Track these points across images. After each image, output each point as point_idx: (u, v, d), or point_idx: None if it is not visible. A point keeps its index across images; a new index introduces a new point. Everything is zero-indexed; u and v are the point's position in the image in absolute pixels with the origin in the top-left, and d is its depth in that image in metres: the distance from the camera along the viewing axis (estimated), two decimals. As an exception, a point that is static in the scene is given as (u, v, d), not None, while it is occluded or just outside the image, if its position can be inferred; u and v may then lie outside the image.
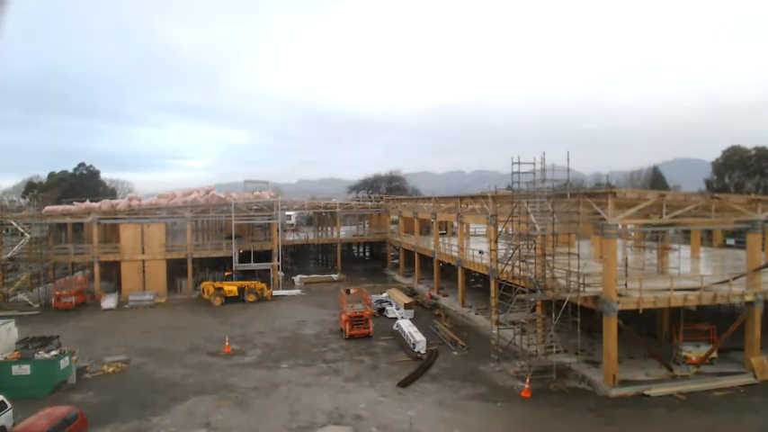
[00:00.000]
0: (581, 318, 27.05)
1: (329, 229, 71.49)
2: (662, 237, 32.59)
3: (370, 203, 74.06)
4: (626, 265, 32.89)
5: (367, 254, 78.67)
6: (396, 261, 65.65)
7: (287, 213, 74.91)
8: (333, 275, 58.13)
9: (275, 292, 49.52)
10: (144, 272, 49.84)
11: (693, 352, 27.52)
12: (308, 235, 70.94)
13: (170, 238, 51.14)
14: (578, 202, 27.13)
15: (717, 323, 31.55)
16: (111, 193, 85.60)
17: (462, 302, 41.89)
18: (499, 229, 35.61)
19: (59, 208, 52.45)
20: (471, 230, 63.26)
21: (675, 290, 26.14)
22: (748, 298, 27.13)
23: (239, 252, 52.58)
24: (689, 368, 26.64)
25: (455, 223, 47.36)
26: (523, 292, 27.75)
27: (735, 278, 27.15)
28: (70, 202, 54.38)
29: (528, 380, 25.25)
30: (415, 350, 31.01)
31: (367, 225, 75.76)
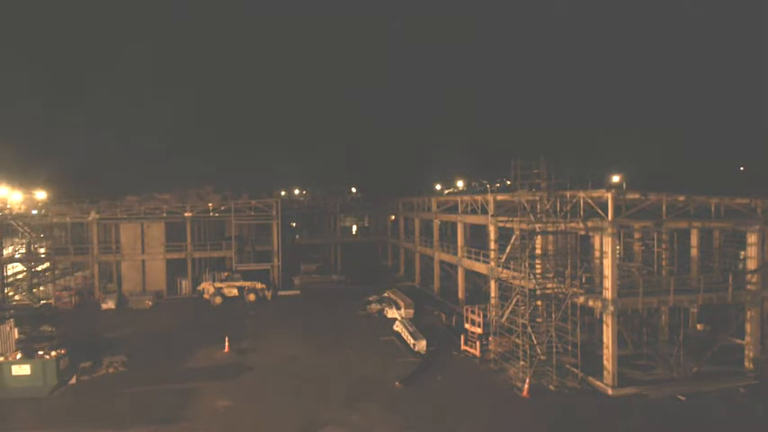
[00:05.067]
0: (581, 317, 27.07)
1: (329, 228, 71.45)
2: (662, 237, 32.55)
3: (370, 203, 73.96)
4: (626, 264, 32.90)
5: (367, 254, 78.55)
6: (396, 261, 65.60)
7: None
8: (333, 275, 58.11)
9: (275, 292, 49.49)
10: (144, 272, 49.82)
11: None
12: (307, 235, 70.87)
13: (170, 238, 51.10)
14: (579, 202, 27.14)
15: (717, 323, 31.59)
16: (112, 193, 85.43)
17: (463, 302, 41.83)
18: (499, 229, 35.57)
19: (59, 208, 52.43)
20: (472, 230, 63.18)
21: (675, 290, 26.13)
22: (748, 298, 27.16)
23: (239, 252, 52.60)
24: (689, 368, 26.62)
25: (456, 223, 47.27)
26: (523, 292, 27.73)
27: (735, 278, 27.12)
28: (70, 203, 54.36)
29: (528, 380, 25.25)
30: (416, 350, 31.02)
31: (367, 225, 75.67)
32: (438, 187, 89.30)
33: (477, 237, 51.72)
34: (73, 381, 26.78)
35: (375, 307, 42.26)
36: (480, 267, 38.28)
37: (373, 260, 69.62)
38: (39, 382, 25.16)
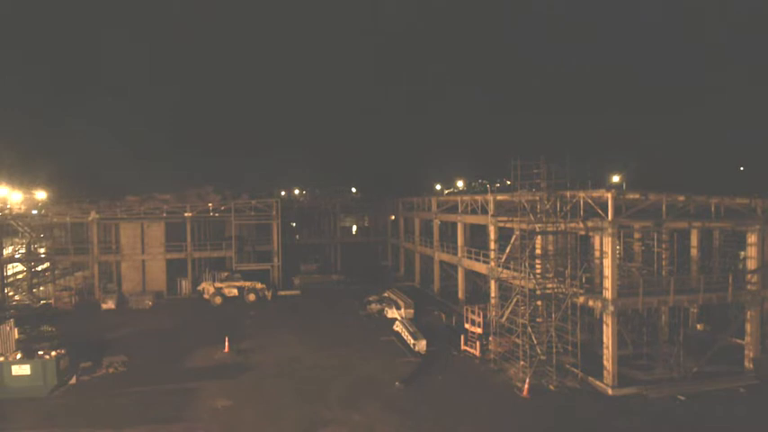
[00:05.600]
0: (581, 317, 27.06)
1: (329, 228, 71.43)
2: (662, 237, 32.62)
3: (370, 203, 73.98)
4: (626, 264, 32.90)
5: (367, 254, 78.57)
6: (396, 261, 65.64)
7: None
8: (333, 275, 58.12)
9: (275, 292, 49.51)
10: (144, 272, 49.85)
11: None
12: (307, 235, 70.94)
13: (170, 238, 51.15)
14: (579, 202, 27.15)
15: (717, 323, 31.62)
16: (112, 193, 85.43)
17: (463, 302, 41.83)
18: (499, 229, 35.58)
19: (59, 208, 52.47)
20: (472, 230, 63.17)
21: (675, 290, 26.13)
22: (748, 298, 27.17)
23: (239, 252, 52.62)
24: (689, 368, 26.62)
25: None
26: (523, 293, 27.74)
27: (735, 278, 27.13)
28: (70, 203, 54.40)
29: (528, 380, 25.26)
30: (416, 350, 31.02)
31: (367, 225, 75.67)
32: (438, 187, 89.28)
33: (477, 237, 51.71)
34: (73, 381, 26.77)
35: (375, 307, 42.26)
36: (480, 267, 38.29)
37: (373, 260, 69.60)
38: (39, 382, 25.14)
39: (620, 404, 23.75)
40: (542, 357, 26.32)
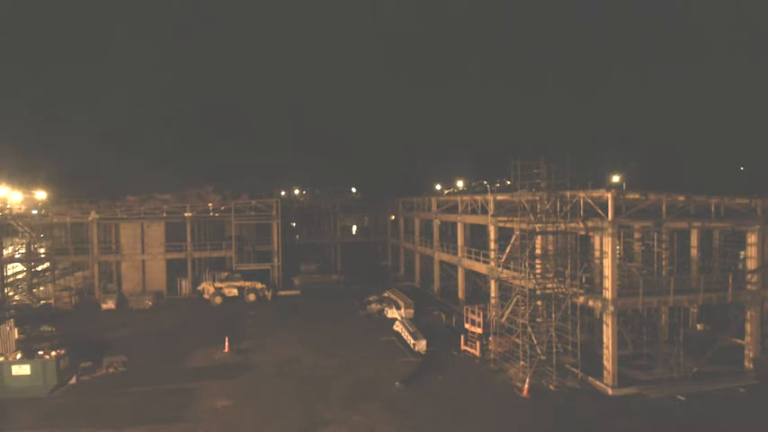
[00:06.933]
0: (581, 317, 27.06)
1: (329, 228, 71.46)
2: (662, 237, 32.62)
3: (370, 203, 73.99)
4: (626, 264, 32.90)
5: (367, 254, 78.55)
6: (396, 261, 65.65)
7: None
8: (333, 275, 58.11)
9: (275, 292, 49.51)
10: (144, 271, 49.86)
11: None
12: (307, 235, 70.94)
13: (170, 238, 51.13)
14: (579, 202, 27.15)
15: (717, 323, 31.62)
16: (111, 193, 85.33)
17: (463, 302, 41.81)
18: (499, 229, 35.57)
19: (59, 208, 52.45)
20: (472, 230, 63.12)
21: (675, 290, 26.13)
22: (748, 298, 27.17)
23: (239, 252, 52.63)
24: (689, 368, 26.62)
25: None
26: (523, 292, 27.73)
27: (735, 278, 27.13)
28: (70, 203, 54.38)
29: (528, 380, 25.26)
30: (416, 350, 31.03)
31: (367, 225, 75.67)
32: (438, 187, 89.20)
33: (477, 237, 51.71)
34: (73, 381, 26.77)
35: (375, 307, 42.26)
36: (480, 267, 38.29)
37: (373, 260, 69.57)
38: (39, 382, 25.14)
39: (620, 404, 23.75)
40: (542, 357, 26.31)
